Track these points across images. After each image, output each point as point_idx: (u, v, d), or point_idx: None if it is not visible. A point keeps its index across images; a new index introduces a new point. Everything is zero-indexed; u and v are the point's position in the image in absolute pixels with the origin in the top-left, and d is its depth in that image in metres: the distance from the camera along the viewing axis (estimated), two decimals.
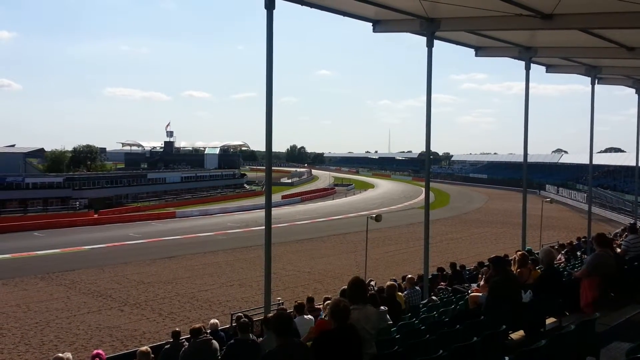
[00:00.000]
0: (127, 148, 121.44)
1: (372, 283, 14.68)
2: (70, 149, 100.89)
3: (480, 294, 8.16)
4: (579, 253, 18.06)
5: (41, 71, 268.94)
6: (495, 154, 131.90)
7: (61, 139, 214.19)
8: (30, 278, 28.00)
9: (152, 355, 8.39)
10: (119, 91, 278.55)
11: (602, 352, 5.37)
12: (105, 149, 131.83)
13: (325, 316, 6.62)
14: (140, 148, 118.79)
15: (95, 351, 8.38)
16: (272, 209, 11.20)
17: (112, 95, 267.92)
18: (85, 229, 48.67)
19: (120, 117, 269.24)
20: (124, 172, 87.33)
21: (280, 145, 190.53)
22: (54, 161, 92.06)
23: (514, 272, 8.02)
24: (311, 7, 11.16)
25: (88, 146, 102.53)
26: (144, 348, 8.28)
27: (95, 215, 56.29)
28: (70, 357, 7.93)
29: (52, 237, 42.48)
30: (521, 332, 6.81)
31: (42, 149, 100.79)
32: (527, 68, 15.59)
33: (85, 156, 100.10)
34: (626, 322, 6.98)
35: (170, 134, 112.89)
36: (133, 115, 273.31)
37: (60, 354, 7.61)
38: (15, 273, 28.98)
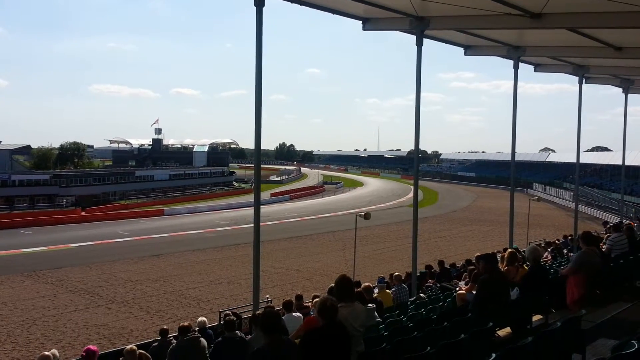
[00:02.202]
0: (115, 145, 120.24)
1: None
2: (57, 146, 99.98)
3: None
4: (565, 251, 18.20)
5: (28, 68, 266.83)
6: (483, 152, 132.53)
7: (48, 136, 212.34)
8: (17, 276, 27.71)
9: (139, 351, 8.32)
10: (106, 88, 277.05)
11: (588, 349, 5.42)
12: (92, 146, 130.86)
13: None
14: (128, 145, 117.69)
15: (86, 347, 8.21)
16: (261, 206, 11.16)
17: (99, 92, 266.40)
18: (72, 226, 48.17)
19: (107, 114, 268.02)
20: (111, 170, 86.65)
21: (269, 143, 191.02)
22: (40, 158, 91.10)
23: (502, 269, 8.08)
24: (301, 5, 11.09)
25: (75, 143, 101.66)
26: (129, 347, 8.21)
27: (83, 213, 55.74)
28: (57, 354, 7.86)
29: (39, 235, 42.04)
30: (508, 329, 6.86)
31: (29, 145, 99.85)
32: (516, 67, 15.62)
33: (72, 153, 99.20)
34: (612, 320, 7.05)
35: (158, 131, 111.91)
36: (121, 112, 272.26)
37: (46, 352, 7.53)
38: (2, 271, 28.64)
